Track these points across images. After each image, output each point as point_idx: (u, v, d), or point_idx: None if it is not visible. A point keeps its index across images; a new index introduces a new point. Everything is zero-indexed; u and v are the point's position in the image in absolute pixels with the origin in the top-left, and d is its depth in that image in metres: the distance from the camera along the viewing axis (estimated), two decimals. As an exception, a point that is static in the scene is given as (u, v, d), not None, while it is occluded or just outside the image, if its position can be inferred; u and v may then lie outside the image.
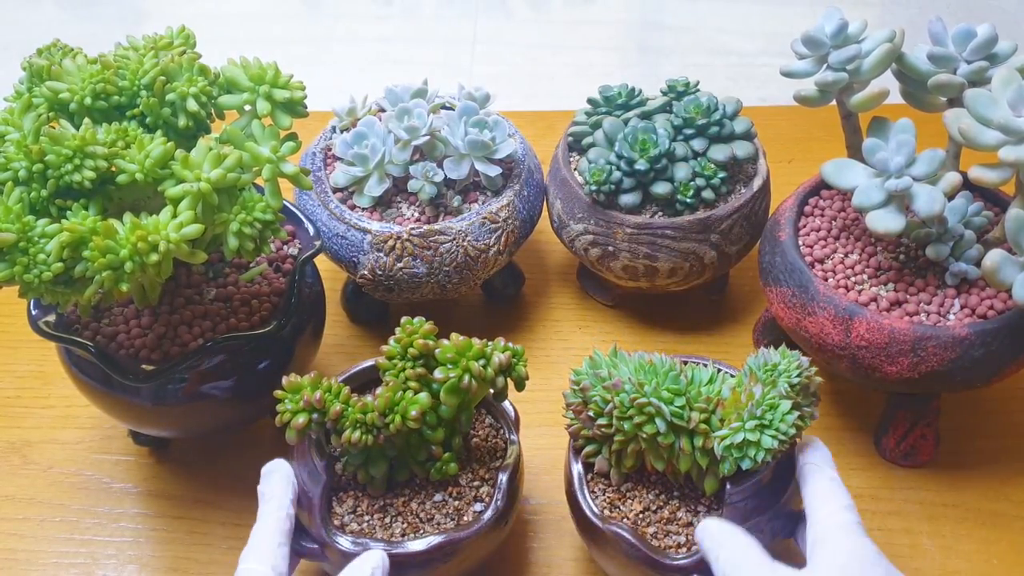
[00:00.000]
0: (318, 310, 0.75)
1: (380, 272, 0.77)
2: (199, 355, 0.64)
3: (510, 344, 0.61)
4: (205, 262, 0.64)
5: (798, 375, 0.58)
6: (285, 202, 0.71)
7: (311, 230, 0.73)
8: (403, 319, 0.62)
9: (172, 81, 0.62)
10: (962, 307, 0.68)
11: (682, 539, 0.60)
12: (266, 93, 0.62)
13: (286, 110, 0.63)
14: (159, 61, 0.62)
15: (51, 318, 0.66)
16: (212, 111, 0.63)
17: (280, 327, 0.67)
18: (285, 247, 0.75)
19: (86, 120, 0.59)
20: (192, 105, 0.61)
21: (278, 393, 0.60)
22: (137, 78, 0.61)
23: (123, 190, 0.60)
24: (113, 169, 0.58)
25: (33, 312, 0.66)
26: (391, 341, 0.61)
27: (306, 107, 0.64)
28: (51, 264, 0.55)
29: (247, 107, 0.63)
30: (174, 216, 0.57)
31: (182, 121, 0.62)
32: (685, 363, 0.65)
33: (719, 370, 0.64)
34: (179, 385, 0.67)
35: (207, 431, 0.74)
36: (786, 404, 0.57)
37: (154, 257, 0.55)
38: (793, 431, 0.57)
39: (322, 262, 0.80)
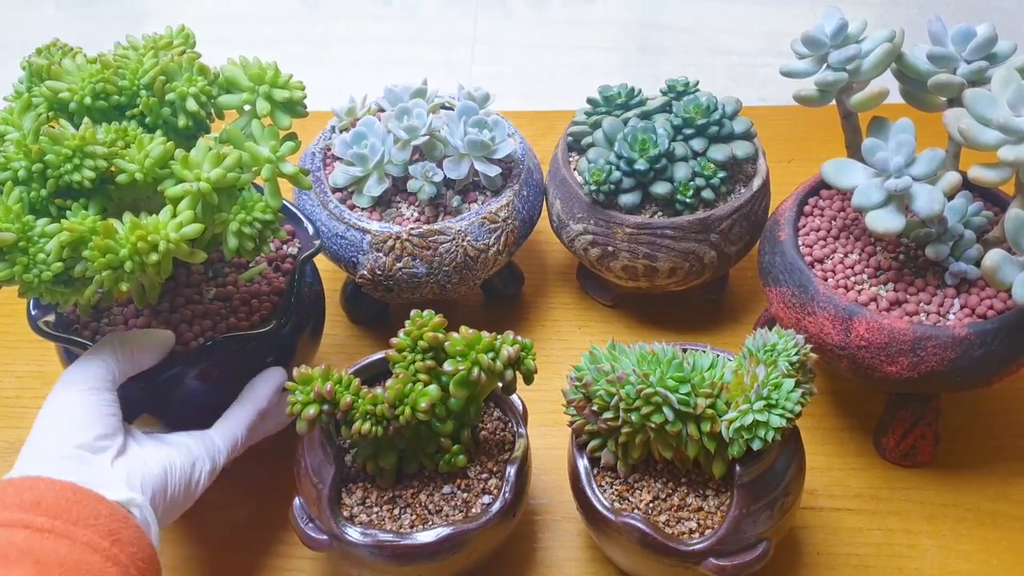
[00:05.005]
0: (318, 310, 0.75)
1: (379, 272, 0.77)
2: (199, 354, 0.64)
3: (519, 338, 0.61)
4: (205, 262, 0.64)
5: (796, 353, 0.60)
6: (284, 202, 0.71)
7: (310, 230, 0.73)
8: (412, 312, 0.62)
9: (172, 81, 0.62)
10: (962, 307, 0.68)
11: (693, 524, 0.61)
12: (266, 93, 0.62)
13: (285, 110, 0.63)
14: (159, 61, 0.62)
15: (50, 318, 0.66)
16: (212, 111, 0.63)
17: (280, 326, 0.67)
18: (284, 247, 0.75)
19: (86, 120, 0.59)
20: (192, 105, 0.61)
21: (289, 384, 0.60)
22: (137, 78, 0.61)
23: (123, 190, 0.60)
24: (113, 169, 0.58)
25: (33, 312, 0.66)
26: (400, 334, 0.62)
27: (305, 107, 0.64)
28: (51, 264, 0.55)
29: (247, 107, 0.63)
30: (174, 216, 0.57)
31: (182, 121, 0.62)
32: (684, 351, 0.65)
33: (718, 355, 0.64)
34: (179, 384, 0.67)
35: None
36: (789, 382, 0.58)
37: (154, 257, 0.55)
38: (799, 408, 0.58)
39: (322, 262, 0.80)
